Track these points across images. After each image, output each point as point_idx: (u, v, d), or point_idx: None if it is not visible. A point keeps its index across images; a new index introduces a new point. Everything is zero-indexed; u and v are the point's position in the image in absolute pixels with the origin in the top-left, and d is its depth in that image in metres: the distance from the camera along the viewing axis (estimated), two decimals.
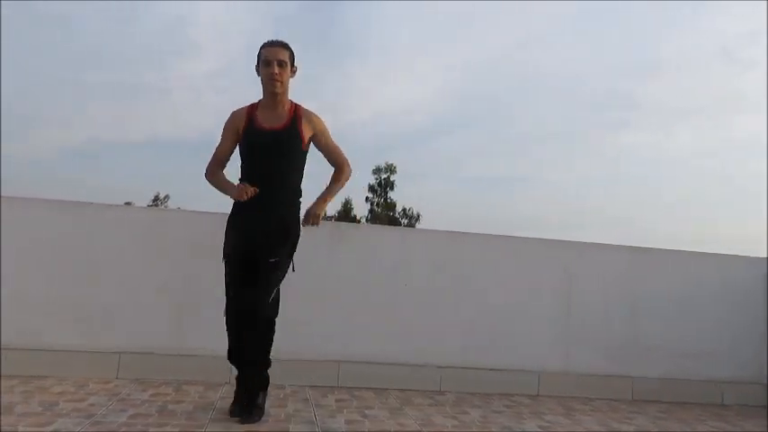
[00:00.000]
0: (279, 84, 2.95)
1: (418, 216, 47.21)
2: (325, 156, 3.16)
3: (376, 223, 42.15)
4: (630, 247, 4.43)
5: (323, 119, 3.10)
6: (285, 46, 3.01)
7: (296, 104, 3.07)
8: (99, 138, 72.92)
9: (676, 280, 4.42)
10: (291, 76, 3.04)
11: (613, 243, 4.42)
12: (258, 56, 3.00)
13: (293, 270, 3.06)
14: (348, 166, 3.18)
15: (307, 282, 3.94)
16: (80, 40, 79.87)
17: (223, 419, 2.93)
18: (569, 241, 4.34)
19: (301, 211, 3.10)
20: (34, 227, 3.72)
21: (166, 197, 56.21)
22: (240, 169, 3.06)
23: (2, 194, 3.73)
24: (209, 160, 3.09)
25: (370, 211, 49.83)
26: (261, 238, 2.92)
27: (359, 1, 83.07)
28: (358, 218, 50.52)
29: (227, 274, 2.99)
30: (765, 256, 4.56)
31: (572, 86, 77.95)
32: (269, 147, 2.95)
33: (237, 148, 3.07)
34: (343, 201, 52.65)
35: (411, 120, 71.64)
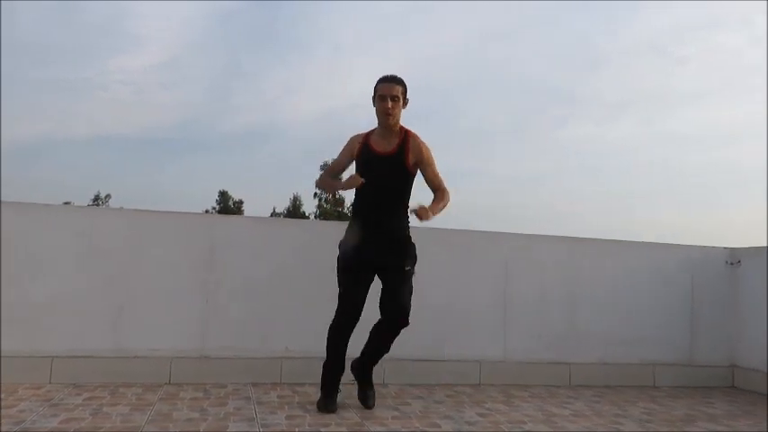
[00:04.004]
0: (391, 117, 3.28)
1: None
2: (427, 183, 3.45)
3: (325, 220, 41.96)
4: (567, 238, 4.56)
5: (430, 148, 3.41)
6: (399, 81, 3.32)
7: (406, 131, 3.37)
8: (39, 134, 70.27)
9: (611, 268, 4.57)
10: (403, 107, 3.36)
11: (552, 234, 4.55)
12: (375, 90, 3.33)
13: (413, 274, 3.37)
14: (447, 191, 3.44)
15: (246, 281, 3.92)
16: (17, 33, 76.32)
17: (160, 420, 2.88)
18: (508, 233, 4.43)
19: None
20: None
21: (107, 196, 54.73)
22: (354, 189, 3.37)
23: None
24: (322, 173, 3.53)
25: (319, 206, 49.67)
26: (385, 252, 3.28)
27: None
28: (307, 214, 50.28)
29: (341, 285, 3.33)
30: (692, 244, 4.77)
31: (519, 82, 79.37)
32: (380, 168, 3.28)
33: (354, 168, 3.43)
34: (292, 197, 52.35)
35: (360, 114, 71.53)
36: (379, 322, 3.29)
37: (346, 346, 3.33)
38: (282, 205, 53.07)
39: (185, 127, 74.10)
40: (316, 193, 50.12)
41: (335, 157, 3.51)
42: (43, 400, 3.16)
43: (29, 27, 74.85)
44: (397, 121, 3.35)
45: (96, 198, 53.73)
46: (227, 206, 54.20)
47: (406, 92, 3.36)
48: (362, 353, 3.39)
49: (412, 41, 78.46)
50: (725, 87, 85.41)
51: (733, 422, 3.52)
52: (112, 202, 53.09)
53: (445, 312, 4.18)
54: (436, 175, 3.44)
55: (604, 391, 4.22)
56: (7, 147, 68.58)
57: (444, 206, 3.39)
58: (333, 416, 3.13)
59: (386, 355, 3.93)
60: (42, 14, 74.49)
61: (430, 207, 3.30)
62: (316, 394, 3.56)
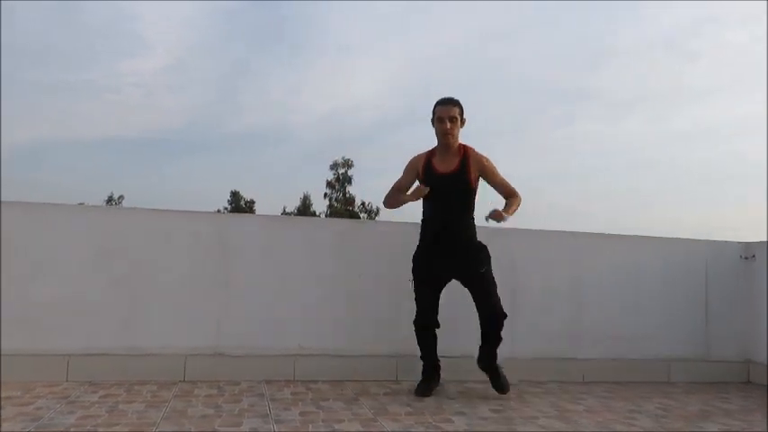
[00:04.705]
0: (450, 137, 3.55)
1: (377, 210, 47.29)
2: (497, 190, 3.70)
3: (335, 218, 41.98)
4: (577, 233, 4.53)
5: (491, 158, 3.67)
6: (456, 103, 3.58)
7: (465, 148, 3.61)
8: (40, 137, 70.70)
9: (623, 263, 4.55)
10: (461, 127, 3.60)
11: (561, 230, 4.53)
12: (433, 112, 3.60)
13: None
14: (518, 194, 3.66)
15: (259, 278, 3.94)
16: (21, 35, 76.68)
17: (175, 417, 2.90)
18: (514, 229, 4.40)
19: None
20: None
21: (121, 197, 55.10)
22: (423, 206, 3.66)
23: None
24: (388, 191, 3.75)
25: (329, 206, 49.73)
26: (458, 260, 3.55)
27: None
28: (317, 213, 50.36)
29: (417, 293, 3.64)
30: (705, 239, 4.74)
31: (519, 82, 79.06)
32: (445, 187, 3.52)
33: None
34: (302, 197, 52.45)
35: (368, 115, 71.71)
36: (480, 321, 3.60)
37: (433, 339, 3.67)
38: (293, 204, 53.16)
39: (192, 129, 74.31)
40: (326, 194, 50.21)
41: (399, 178, 3.73)
42: (60, 397, 3.19)
43: (28, 27, 75.09)
44: (457, 140, 3.58)
45: (110, 199, 54.15)
46: (239, 206, 54.40)
47: (462, 112, 3.60)
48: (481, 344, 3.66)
49: (412, 41, 78.30)
50: (735, 83, 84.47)
51: (748, 417, 3.50)
52: (125, 203, 53.45)
53: (453, 309, 4.16)
54: (504, 182, 3.68)
55: (618, 387, 4.20)
56: (7, 149, 68.96)
57: (517, 208, 3.62)
58: (346, 412, 3.14)
59: (397, 352, 3.99)
60: (42, 15, 74.67)
61: (504, 210, 3.53)
62: (329, 391, 3.60)
